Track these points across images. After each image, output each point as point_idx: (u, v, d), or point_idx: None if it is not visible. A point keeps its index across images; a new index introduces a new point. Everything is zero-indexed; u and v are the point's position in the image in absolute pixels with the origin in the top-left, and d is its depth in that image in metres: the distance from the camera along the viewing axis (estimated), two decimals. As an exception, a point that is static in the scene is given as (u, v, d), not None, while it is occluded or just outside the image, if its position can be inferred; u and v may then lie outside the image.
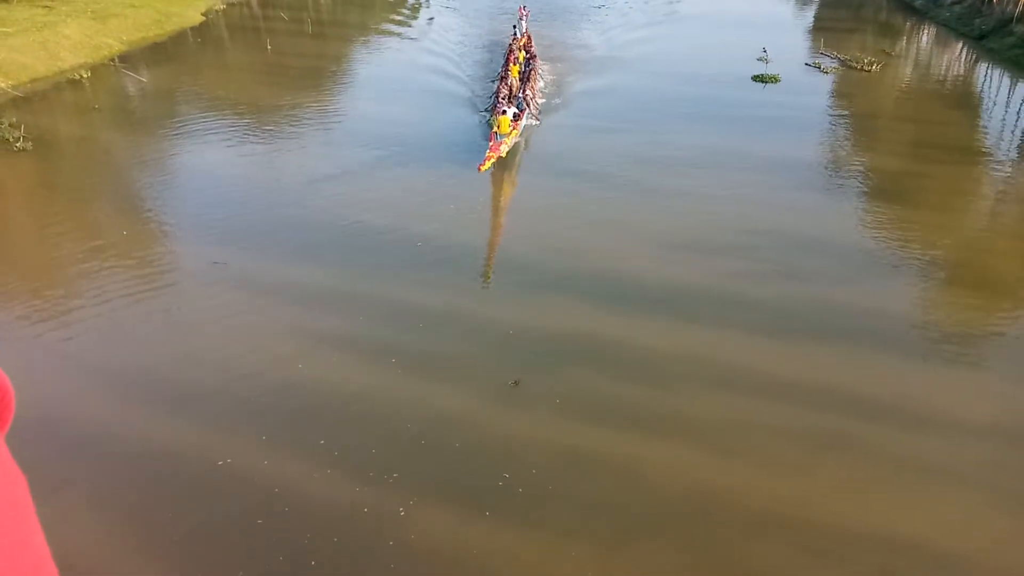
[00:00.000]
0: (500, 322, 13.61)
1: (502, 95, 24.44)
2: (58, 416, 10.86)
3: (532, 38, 33.08)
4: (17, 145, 21.06)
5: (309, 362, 12.32)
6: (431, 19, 40.31)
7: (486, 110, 24.78)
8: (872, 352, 12.70)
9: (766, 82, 29.33)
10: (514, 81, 25.87)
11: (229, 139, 22.81)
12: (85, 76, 27.82)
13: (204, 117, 24.84)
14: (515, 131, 21.01)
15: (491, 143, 19.84)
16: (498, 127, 20.61)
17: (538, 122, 24.02)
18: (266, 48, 33.72)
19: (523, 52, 29.58)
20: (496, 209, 18.73)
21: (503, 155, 19.61)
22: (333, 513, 9.47)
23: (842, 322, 13.55)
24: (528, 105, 23.78)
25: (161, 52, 32.51)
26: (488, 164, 18.47)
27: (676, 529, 9.35)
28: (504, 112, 21.22)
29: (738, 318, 13.58)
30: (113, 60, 30.10)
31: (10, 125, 22.13)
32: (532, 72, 27.68)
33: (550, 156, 21.49)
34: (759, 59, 31.58)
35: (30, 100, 25.36)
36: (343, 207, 18.00)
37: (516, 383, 11.84)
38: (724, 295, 14.35)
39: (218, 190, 19.10)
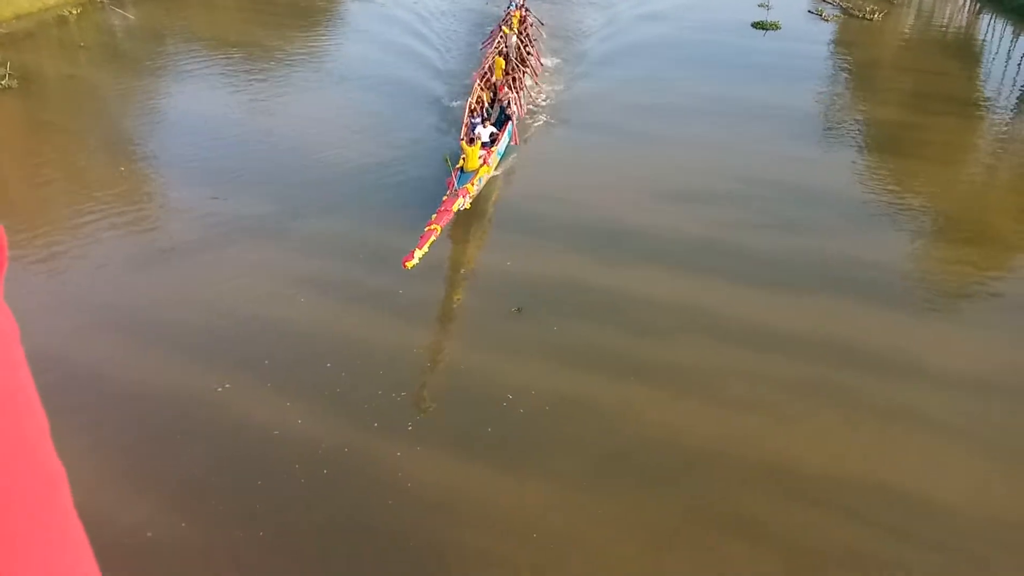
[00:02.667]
0: (497, 267, 13.66)
1: (475, 104, 18.75)
2: (50, 354, 10.86)
3: (529, 14, 26.78)
4: (3, 83, 20.63)
5: (299, 302, 12.33)
6: None
7: (454, 105, 20.09)
8: (866, 304, 12.78)
9: (766, 29, 28.85)
10: (499, 81, 20.09)
11: (217, 78, 22.39)
12: (72, 13, 27.10)
13: (192, 56, 24.32)
14: (486, 167, 15.57)
15: (448, 192, 14.08)
16: (464, 161, 15.36)
17: (516, 143, 18.13)
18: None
19: (513, 32, 23.05)
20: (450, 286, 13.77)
21: (466, 206, 14.14)
22: (326, 451, 9.58)
23: (837, 273, 13.59)
24: (514, 115, 18.51)
25: (148, -12, 31.60)
26: (422, 251, 11.77)
27: (666, 475, 9.52)
28: (473, 138, 16.25)
29: (733, 268, 13.61)
30: (99, -4, 29.29)
31: (-5, 62, 21.64)
32: (521, 66, 21.67)
33: (545, 108, 21.19)
34: (760, 5, 31.00)
35: (15, 37, 24.75)
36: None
37: (519, 310, 12.44)
38: (719, 245, 14.35)
39: (206, 129, 18.81)
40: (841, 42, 28.54)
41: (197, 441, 9.84)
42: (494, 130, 17.27)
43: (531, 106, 20.62)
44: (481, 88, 19.65)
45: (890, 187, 17.17)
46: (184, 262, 13.55)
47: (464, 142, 15.94)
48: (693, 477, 9.48)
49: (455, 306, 13.08)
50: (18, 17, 26.12)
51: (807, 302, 12.78)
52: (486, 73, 20.53)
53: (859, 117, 21.17)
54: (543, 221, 15.16)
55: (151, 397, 10.46)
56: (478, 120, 17.52)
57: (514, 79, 20.46)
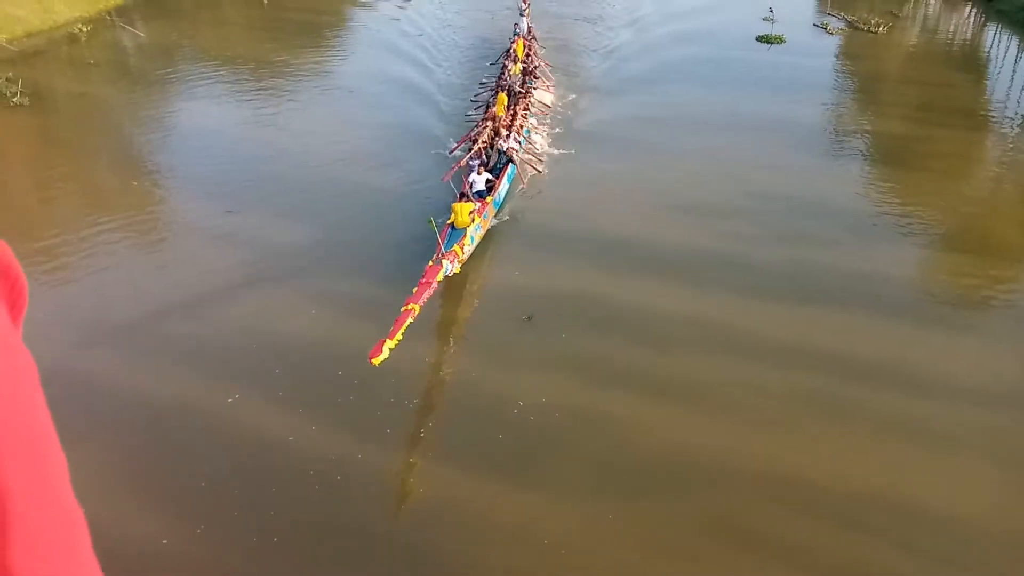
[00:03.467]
0: (507, 279, 13.72)
1: (475, 150, 17.07)
2: (60, 366, 10.91)
3: (535, 42, 26.12)
4: (14, 100, 20.85)
5: (311, 314, 12.37)
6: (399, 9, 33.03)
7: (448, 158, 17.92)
8: (875, 317, 12.75)
9: (771, 43, 28.95)
10: (500, 119, 18.50)
11: (226, 94, 22.59)
12: (83, 30, 27.39)
13: (201, 73, 24.54)
14: (477, 219, 14.21)
15: (433, 258, 12.46)
16: (453, 217, 14.04)
17: (540, 171, 17.59)
18: (262, 2, 33.17)
19: (517, 65, 22.70)
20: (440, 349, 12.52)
21: (455, 271, 12.73)
22: (339, 459, 9.59)
23: (846, 286, 13.57)
24: (515, 154, 17.29)
25: (157, 5, 31.98)
26: (394, 342, 10.01)
27: (677, 489, 9.49)
28: (466, 193, 15.01)
29: (742, 281, 13.61)
30: (109, 13, 29.64)
31: (7, 80, 21.87)
32: (524, 99, 20.39)
33: (554, 126, 21.28)
34: (764, 19, 31.13)
35: (26, 54, 25.03)
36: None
37: (529, 318, 12.66)
38: (727, 257, 14.36)
39: (216, 145, 18.97)
40: (846, 55, 28.60)
41: (210, 448, 9.89)
42: (490, 177, 16.07)
43: (543, 136, 19.82)
44: (481, 129, 18.22)
45: (896, 199, 17.17)
46: (193, 275, 13.63)
47: (456, 201, 14.48)
48: (704, 491, 9.45)
49: (467, 317, 13.11)
50: (29, 35, 26.43)
51: (816, 315, 12.76)
52: (487, 113, 19.21)
53: (865, 130, 21.19)
54: (551, 234, 15.24)
55: (164, 407, 10.50)
56: (475, 163, 16.40)
57: (515, 114, 19.07)
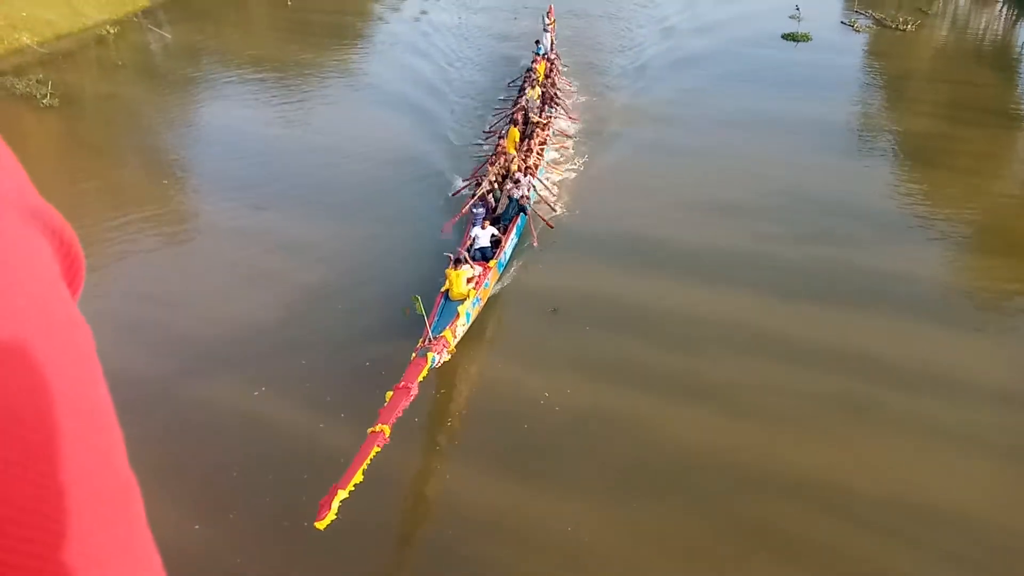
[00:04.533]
0: (532, 276, 13.69)
1: (478, 194, 15.09)
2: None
3: (558, 61, 24.16)
4: (44, 101, 21.17)
5: (336, 309, 12.43)
6: (422, 13, 32.24)
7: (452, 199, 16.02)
8: (900, 317, 12.56)
9: (797, 41, 28.64)
10: (511, 156, 16.44)
11: (252, 97, 22.78)
12: (111, 32, 27.77)
13: (227, 74, 24.77)
14: (475, 293, 12.08)
15: (417, 347, 10.25)
16: (448, 286, 12.06)
17: (550, 224, 15.11)
18: (287, 2, 33.42)
19: (536, 90, 20.44)
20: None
21: (443, 361, 10.48)
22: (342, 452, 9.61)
23: (870, 286, 13.39)
24: (527, 203, 15.09)
25: (184, 7, 32.34)
26: (346, 492, 7.50)
27: (694, 489, 9.41)
28: (460, 259, 12.40)
29: (766, 280, 13.48)
30: (137, 15, 30.02)
31: (37, 81, 22.23)
32: (543, 131, 18.24)
33: (579, 131, 21.20)
34: (791, 17, 30.80)
35: (56, 56, 25.41)
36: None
37: (555, 310, 12.81)
38: (752, 257, 14.22)
39: (241, 147, 19.13)
40: (873, 53, 28.22)
41: (240, 438, 9.99)
42: (496, 233, 13.94)
43: (559, 172, 17.69)
44: (491, 165, 16.21)
45: (925, 199, 16.90)
46: (223, 273, 13.77)
47: (450, 267, 12.23)
48: (732, 494, 9.35)
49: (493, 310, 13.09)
50: (59, 37, 26.82)
51: (841, 316, 12.59)
52: (497, 148, 17.19)
53: (893, 128, 20.88)
54: (574, 232, 15.17)
55: (200, 401, 10.60)
56: (480, 212, 14.45)
57: (530, 151, 16.81)
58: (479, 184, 15.46)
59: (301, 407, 10.68)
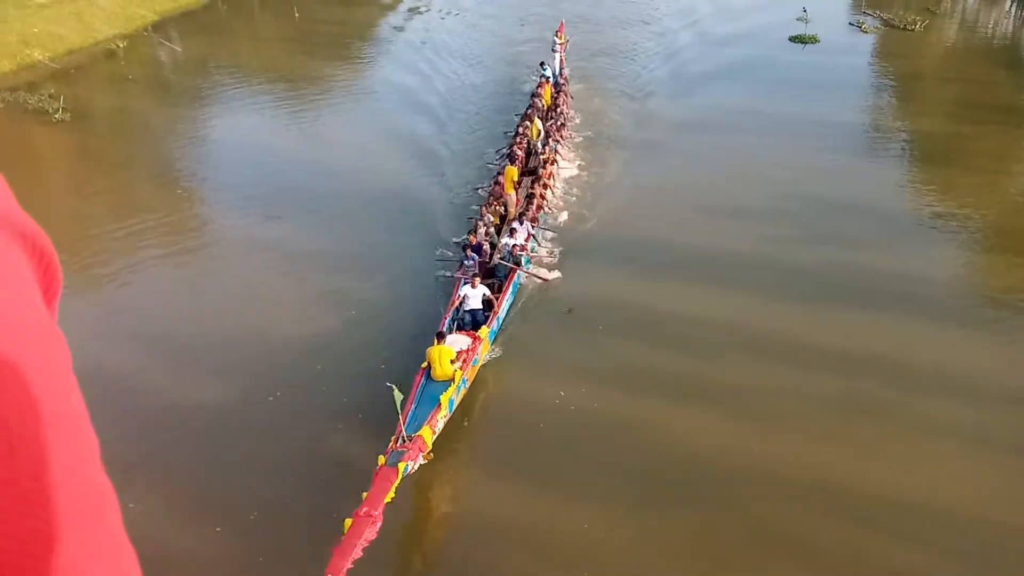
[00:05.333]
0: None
1: (473, 240, 13.53)
2: (105, 372, 11.10)
3: (567, 86, 21.97)
4: (56, 116, 21.36)
5: (351, 315, 12.45)
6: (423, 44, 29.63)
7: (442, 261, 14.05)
8: (914, 319, 12.47)
9: (805, 43, 28.56)
10: (509, 198, 15.25)
11: (261, 108, 22.91)
12: (120, 46, 28.01)
13: (237, 87, 24.93)
14: (461, 374, 10.36)
15: (388, 449, 8.78)
16: (430, 363, 10.37)
17: (551, 277, 13.60)
18: (294, 15, 33.61)
19: (537, 125, 18.49)
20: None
21: (417, 467, 8.90)
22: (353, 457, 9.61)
23: (883, 287, 13.30)
24: (523, 257, 13.41)
25: (193, 21, 32.59)
26: None
27: (709, 494, 9.34)
28: (443, 333, 10.81)
29: (778, 284, 13.42)
30: (147, 29, 30.27)
31: (49, 96, 22.43)
32: (546, 169, 16.71)
33: (578, 126, 21.20)
34: (798, 19, 30.71)
35: (67, 71, 25.64)
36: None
37: (570, 311, 12.88)
38: (764, 260, 14.16)
39: (250, 159, 19.24)
40: (882, 54, 28.10)
41: (257, 441, 10.07)
42: (488, 293, 12.12)
43: (560, 214, 15.90)
44: (487, 209, 14.75)
45: (936, 199, 16.78)
46: (234, 281, 13.84)
47: (433, 343, 10.45)
48: (740, 497, 9.28)
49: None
50: (70, 52, 27.08)
51: (854, 318, 12.51)
52: (493, 189, 15.75)
53: (903, 129, 20.77)
54: (586, 237, 15.15)
55: (213, 406, 10.63)
56: (471, 263, 12.80)
57: (531, 197, 15.23)
58: (472, 232, 13.73)
59: (319, 409, 10.76)
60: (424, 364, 10.49)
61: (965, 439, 10.07)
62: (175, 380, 11.41)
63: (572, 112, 20.87)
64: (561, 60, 23.02)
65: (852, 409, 10.61)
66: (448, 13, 33.63)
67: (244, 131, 21.20)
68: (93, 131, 21.78)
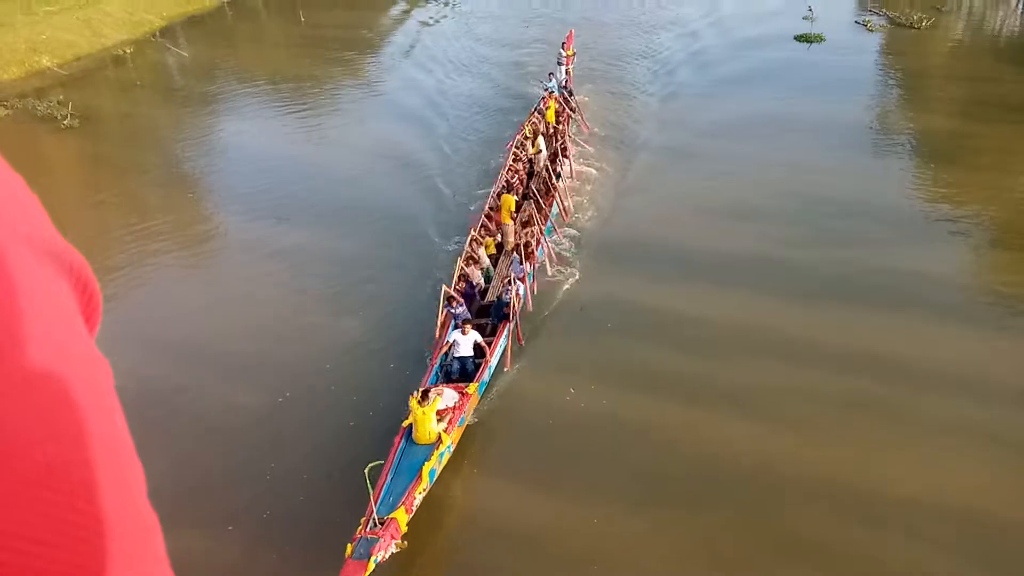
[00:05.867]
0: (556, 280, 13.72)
1: (461, 281, 12.52)
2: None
3: (573, 100, 20.64)
4: (65, 122, 21.51)
5: (360, 315, 12.51)
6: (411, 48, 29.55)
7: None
8: (923, 318, 12.40)
9: (810, 42, 28.52)
10: (507, 228, 14.06)
11: (268, 113, 23.03)
12: (128, 52, 28.19)
13: (244, 92, 25.06)
14: (447, 438, 9.26)
15: (357, 532, 7.92)
16: (414, 422, 9.25)
17: (521, 341, 11.90)
18: (300, 20, 33.78)
19: (540, 142, 17.30)
20: None
21: (388, 554, 7.87)
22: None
23: (892, 287, 13.24)
24: (519, 300, 12.02)
25: (200, 26, 32.79)
26: None
27: (721, 496, 9.33)
28: (428, 392, 9.48)
29: (786, 284, 13.39)
30: (154, 35, 30.48)
31: (58, 103, 22.60)
32: (549, 195, 15.54)
33: (590, 129, 21.22)
34: (804, 18, 30.68)
35: (75, 78, 25.83)
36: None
37: (582, 309, 13.00)
38: (771, 261, 14.12)
39: (259, 164, 19.32)
40: (888, 52, 28.03)
41: (270, 441, 10.13)
42: (480, 341, 10.88)
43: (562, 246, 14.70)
44: (479, 241, 13.44)
45: (944, 197, 16.72)
46: (243, 283, 13.92)
47: (414, 398, 9.28)
48: (750, 499, 9.26)
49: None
50: (78, 59, 27.28)
51: (863, 317, 12.46)
52: (483, 221, 14.34)
53: (910, 128, 20.70)
54: (597, 238, 15.17)
55: (225, 408, 10.70)
56: (460, 310, 11.59)
57: (529, 230, 13.99)
58: (460, 279, 12.52)
59: (329, 408, 10.85)
60: (405, 422, 9.33)
61: (976, 438, 10.01)
62: (184, 381, 11.47)
63: (586, 126, 19.98)
64: (568, 73, 22.13)
65: (862, 408, 10.57)
66: (449, 16, 33.71)
67: (251, 135, 21.30)
68: (101, 137, 21.92)
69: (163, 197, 17.71)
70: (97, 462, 0.51)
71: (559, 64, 22.14)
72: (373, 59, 29.08)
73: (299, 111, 22.99)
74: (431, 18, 33.90)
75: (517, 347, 11.86)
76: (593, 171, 18.08)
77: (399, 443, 9.18)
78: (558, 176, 16.35)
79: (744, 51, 27.40)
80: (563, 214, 15.51)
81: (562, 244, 14.72)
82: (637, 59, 27.20)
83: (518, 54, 27.69)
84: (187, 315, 13.25)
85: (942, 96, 23.35)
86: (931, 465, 9.65)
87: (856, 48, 28.05)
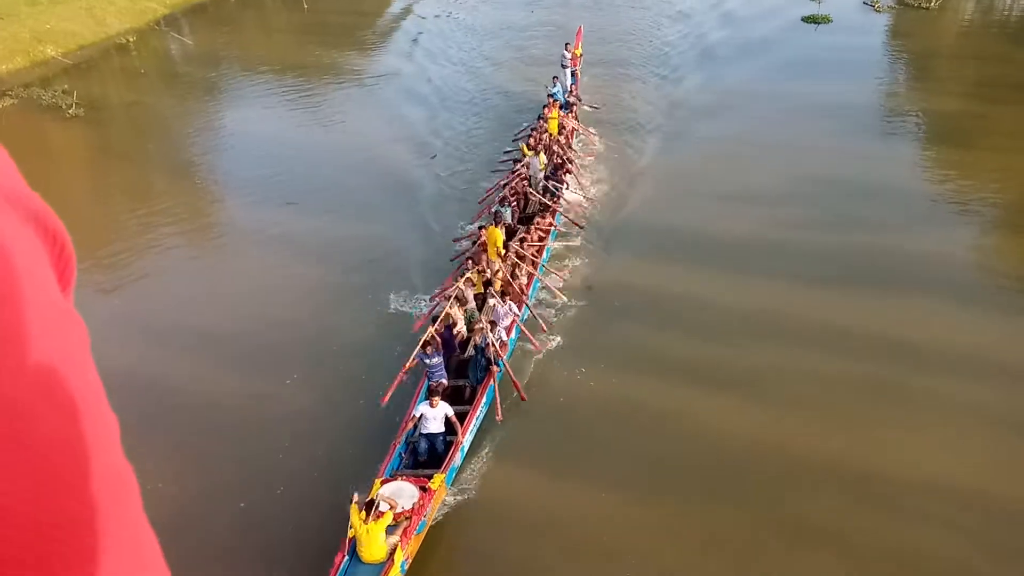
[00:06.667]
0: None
1: (433, 333, 10.21)
2: (128, 363, 11.22)
3: (577, 107, 19.11)
4: (69, 112, 21.49)
5: (367, 299, 12.53)
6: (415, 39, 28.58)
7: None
8: (937, 301, 12.30)
9: (818, 23, 28.24)
10: (493, 266, 12.11)
11: (271, 100, 22.94)
12: (131, 41, 28.12)
13: (248, 79, 24.99)
14: (402, 552, 7.68)
15: None
16: (356, 537, 7.68)
17: (524, 397, 10.33)
18: (303, 7, 33.60)
19: (542, 157, 15.51)
20: None
21: None
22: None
23: (906, 270, 13.15)
24: (501, 349, 10.49)
25: (203, 14, 32.67)
26: None
27: (735, 481, 9.31)
28: (373, 502, 7.86)
29: (793, 268, 13.31)
30: (158, 23, 30.39)
31: (62, 92, 22.57)
32: (542, 222, 13.84)
33: (596, 116, 21.09)
34: (811, -1, 30.40)
35: (80, 67, 25.79)
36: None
37: (590, 287, 13.06)
38: (778, 244, 14.05)
39: (263, 150, 19.28)
40: (897, 33, 27.75)
41: (280, 421, 10.13)
42: (451, 414, 9.23)
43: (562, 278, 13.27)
44: (462, 281, 11.54)
45: (956, 180, 16.58)
46: (249, 270, 13.93)
47: (356, 511, 7.70)
48: (764, 484, 9.22)
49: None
50: (81, 47, 27.21)
51: (876, 301, 12.37)
52: (466, 259, 12.64)
53: (920, 109, 20.51)
54: (609, 223, 15.11)
55: (231, 392, 10.74)
56: (435, 360, 9.79)
57: (519, 260, 12.46)
58: (437, 321, 10.58)
59: (339, 386, 10.95)
60: (348, 534, 7.66)
61: (990, 421, 9.97)
62: (192, 366, 11.50)
63: (592, 139, 18.39)
64: (576, 77, 20.58)
65: (877, 393, 10.49)
66: (456, 3, 33.51)
67: (256, 122, 21.24)
68: (107, 125, 21.91)
69: (168, 184, 17.69)
70: (79, 420, 0.52)
71: (563, 67, 20.38)
72: (378, 45, 28.92)
73: (303, 98, 22.91)
74: (440, 9, 33.61)
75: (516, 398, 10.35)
76: (600, 156, 17.98)
77: (340, 562, 7.45)
78: (555, 195, 14.87)
79: (750, 33, 27.13)
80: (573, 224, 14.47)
81: (553, 303, 12.52)
82: (640, 41, 26.99)
83: (523, 37, 27.51)
84: (186, 303, 13.26)
85: (952, 77, 23.11)
86: (946, 448, 9.61)
87: (864, 29, 27.77)
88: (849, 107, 20.35)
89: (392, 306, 12.78)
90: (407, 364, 9.99)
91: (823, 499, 9.01)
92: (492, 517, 9.04)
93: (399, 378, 9.88)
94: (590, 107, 19.25)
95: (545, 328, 11.60)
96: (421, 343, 9.88)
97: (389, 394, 9.71)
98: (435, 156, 18.08)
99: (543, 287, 12.70)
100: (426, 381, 10.03)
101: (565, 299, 12.47)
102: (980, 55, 24.92)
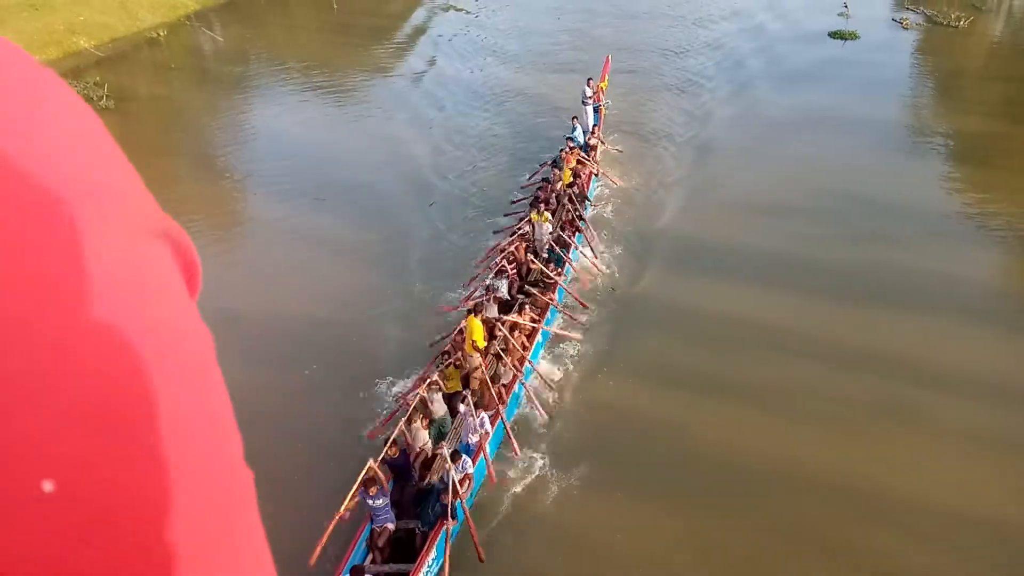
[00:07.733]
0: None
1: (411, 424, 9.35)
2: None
3: (598, 149, 16.87)
4: (101, 103, 21.81)
5: (389, 293, 12.67)
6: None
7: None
8: (956, 322, 12.25)
9: (845, 39, 28.14)
10: (471, 361, 10.37)
11: (301, 98, 23.20)
12: (162, 35, 28.51)
13: (277, 76, 25.26)
14: None
15: None
16: None
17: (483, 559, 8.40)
18: (333, 6, 33.89)
19: (546, 216, 13.30)
20: None
21: None
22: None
23: (923, 289, 13.11)
24: (467, 486, 8.76)
25: (234, 10, 33.03)
26: None
27: (745, 496, 9.35)
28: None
29: (815, 284, 13.31)
30: (189, 18, 30.77)
31: (94, 84, 22.92)
32: (545, 296, 12.04)
33: (615, 121, 21.16)
34: (839, 14, 30.29)
35: (111, 59, 26.17)
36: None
37: (614, 290, 13.34)
38: (801, 260, 14.04)
39: (292, 146, 19.53)
40: (924, 51, 27.61)
41: (296, 410, 10.28)
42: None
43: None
44: (438, 384, 9.96)
45: (982, 200, 16.48)
46: (274, 264, 14.12)
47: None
48: (782, 501, 9.24)
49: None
50: (113, 40, 27.62)
51: (895, 319, 12.35)
52: (449, 348, 10.69)
53: (946, 128, 20.40)
54: (623, 233, 15.17)
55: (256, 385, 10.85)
56: (379, 502, 8.25)
57: (506, 349, 10.50)
58: (392, 444, 8.81)
59: (357, 375, 11.20)
60: None
61: (1005, 446, 9.94)
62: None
63: (616, 181, 16.42)
64: (601, 114, 18.42)
65: (900, 414, 10.43)
66: (490, 7, 33.70)
67: (285, 119, 21.49)
68: (137, 118, 22.24)
69: (196, 176, 17.96)
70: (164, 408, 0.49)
71: (583, 104, 18.07)
72: (406, 48, 29.13)
73: (331, 97, 23.15)
74: (467, 12, 33.80)
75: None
76: (620, 168, 18.01)
77: None
78: (560, 263, 12.98)
79: (777, 47, 27.09)
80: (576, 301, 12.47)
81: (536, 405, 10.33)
82: (662, 54, 27.02)
83: (550, 42, 27.66)
84: (219, 286, 13.46)
85: (979, 96, 22.97)
86: (958, 471, 9.59)
87: (891, 46, 27.62)
88: (874, 123, 20.25)
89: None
90: (344, 506, 8.06)
91: (834, 517, 9.03)
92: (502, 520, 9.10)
93: (331, 526, 7.94)
94: (614, 150, 17.67)
95: (517, 453, 9.50)
96: (361, 480, 8.08)
97: (319, 549, 7.79)
98: (433, 203, 16.38)
99: (527, 395, 10.38)
100: (368, 525, 8.40)
101: (546, 417, 10.15)
102: (1008, 74, 24.73)
